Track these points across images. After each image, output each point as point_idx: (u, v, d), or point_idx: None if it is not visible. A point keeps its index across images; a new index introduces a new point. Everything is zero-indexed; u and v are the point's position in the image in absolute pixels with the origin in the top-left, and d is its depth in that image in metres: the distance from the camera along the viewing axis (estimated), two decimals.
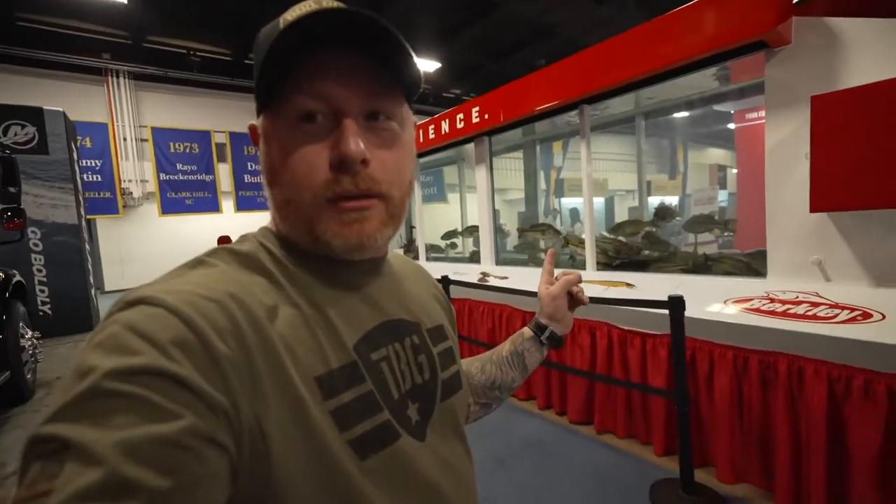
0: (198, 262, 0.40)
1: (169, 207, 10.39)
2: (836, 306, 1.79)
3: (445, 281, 3.15)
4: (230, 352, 0.32)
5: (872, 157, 1.67)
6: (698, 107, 3.23)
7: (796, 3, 1.98)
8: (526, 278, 3.19)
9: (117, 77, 9.62)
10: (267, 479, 0.32)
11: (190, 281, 0.36)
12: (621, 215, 8.37)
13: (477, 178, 3.78)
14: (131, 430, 0.26)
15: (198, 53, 9.50)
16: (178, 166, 10.45)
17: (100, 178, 9.46)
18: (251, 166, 11.42)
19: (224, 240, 6.83)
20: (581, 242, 3.13)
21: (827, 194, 1.79)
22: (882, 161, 1.65)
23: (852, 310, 1.73)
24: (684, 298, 1.77)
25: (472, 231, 4.42)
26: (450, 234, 4.70)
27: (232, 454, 0.30)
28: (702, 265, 2.64)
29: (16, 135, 4.94)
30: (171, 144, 10.34)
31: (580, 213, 6.70)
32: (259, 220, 11.51)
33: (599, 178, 9.03)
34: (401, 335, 0.47)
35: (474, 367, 0.69)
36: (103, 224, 10.36)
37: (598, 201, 9.36)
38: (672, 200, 7.45)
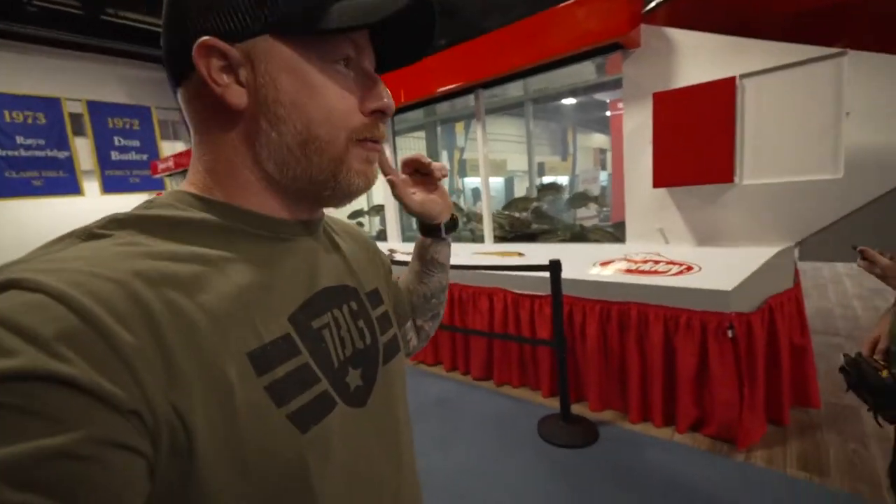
0: (88, 234, 0.33)
1: (9, 189, 8.63)
2: (670, 262, 2.26)
3: None
4: (137, 341, 0.28)
5: (692, 145, 2.13)
6: (579, 95, 3.65)
7: (644, 12, 2.38)
8: None
9: None
10: (188, 471, 0.29)
11: (79, 256, 0.30)
12: (520, 194, 8.98)
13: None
14: (10, 446, 0.23)
15: (34, 3, 7.86)
16: (18, 140, 8.67)
17: None
18: (119, 141, 9.92)
19: None
20: (481, 219, 3.40)
21: (664, 174, 2.24)
22: (698, 148, 2.12)
23: (681, 265, 2.22)
24: (561, 262, 2.10)
25: (378, 210, 4.49)
26: (356, 214, 4.71)
27: (147, 455, 0.27)
28: (579, 235, 3.08)
29: None
30: (7, 113, 8.53)
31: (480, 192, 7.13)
32: (133, 203, 10.09)
33: (498, 158, 9.57)
34: (340, 301, 0.45)
35: (404, 289, 0.68)
36: None
37: (498, 181, 9.96)
38: (563, 180, 8.26)
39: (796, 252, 2.15)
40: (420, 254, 0.67)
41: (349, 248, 0.52)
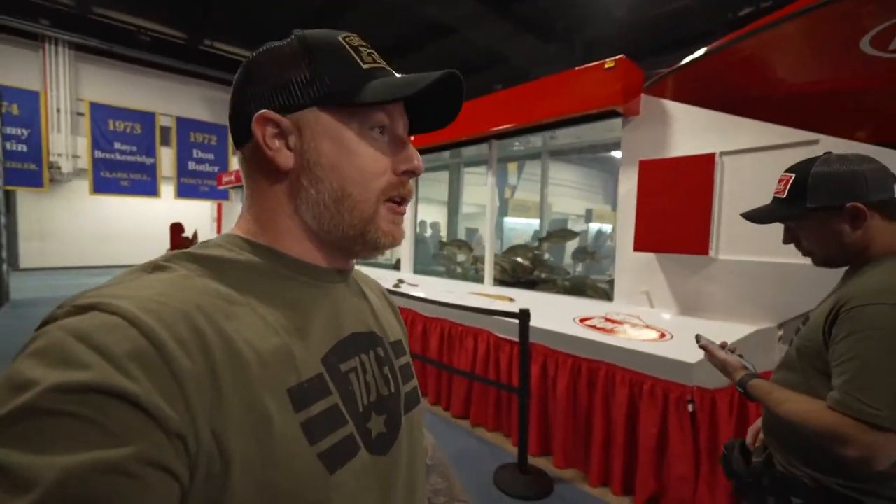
0: (154, 267, 0.38)
1: (102, 186, 9.93)
2: (648, 327, 2.26)
3: None
4: (194, 367, 0.30)
5: (672, 214, 2.16)
6: (599, 150, 3.74)
7: (646, 86, 2.49)
8: (433, 288, 3.54)
9: (55, 45, 9.14)
10: (218, 499, 0.31)
11: (149, 286, 0.34)
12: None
13: None
14: (70, 455, 0.24)
15: (149, 32, 9.24)
16: (116, 145, 10.03)
17: (25, 149, 8.91)
18: (197, 153, 11.15)
19: (177, 227, 6.54)
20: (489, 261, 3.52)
21: (645, 238, 2.27)
22: (677, 217, 2.14)
23: (657, 330, 2.21)
24: (530, 312, 2.17)
25: None
26: None
27: (182, 481, 0.29)
28: (576, 288, 3.11)
29: None
30: (111, 122, 9.93)
31: (514, 232, 7.19)
32: (200, 209, 11.22)
33: (548, 201, 9.62)
34: (367, 347, 0.47)
35: (434, 477, 0.69)
36: (24, 197, 9.71)
37: (535, 223, 9.97)
38: (608, 228, 8.13)
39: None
40: None
41: (374, 300, 0.55)
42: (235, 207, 8.65)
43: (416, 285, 3.66)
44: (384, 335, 0.51)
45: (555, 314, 2.58)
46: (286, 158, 0.43)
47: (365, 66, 0.43)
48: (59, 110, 9.42)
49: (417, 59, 9.32)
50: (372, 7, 7.32)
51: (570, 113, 2.61)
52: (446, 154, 4.34)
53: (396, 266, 4.40)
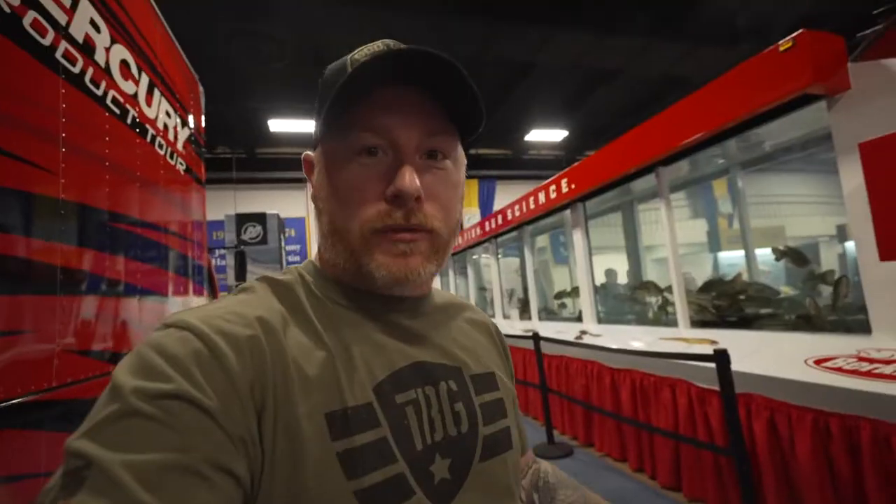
0: (242, 289, 0.41)
1: None
2: None
3: (535, 337, 3.42)
4: (248, 374, 0.32)
5: None
6: (810, 148, 2.99)
7: (855, 54, 1.95)
8: (619, 336, 3.23)
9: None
10: None
11: (224, 305, 0.37)
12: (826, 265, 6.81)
13: (574, 242, 4.03)
14: (153, 453, 0.27)
15: None
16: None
17: (299, 259, 12.40)
18: None
19: None
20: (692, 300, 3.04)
21: (891, 242, 1.62)
22: None
23: None
24: (729, 353, 1.78)
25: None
26: (560, 295, 4.88)
27: (245, 485, 0.30)
28: (810, 321, 2.37)
29: (248, 233, 7.17)
30: None
31: (734, 268, 5.95)
32: None
33: (771, 225, 7.81)
34: (435, 378, 0.42)
35: (561, 494, 0.56)
36: None
37: (766, 253, 8.06)
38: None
39: None
40: None
41: (464, 329, 0.51)
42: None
43: (599, 335, 3.42)
44: (463, 366, 0.45)
45: (783, 356, 2.02)
46: (314, 193, 0.46)
47: (350, 70, 0.39)
48: (315, 227, 12.89)
49: (591, 108, 9.42)
50: (541, 72, 7.84)
51: (745, 115, 2.22)
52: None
53: (580, 318, 4.21)
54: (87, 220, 1.50)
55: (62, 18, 1.41)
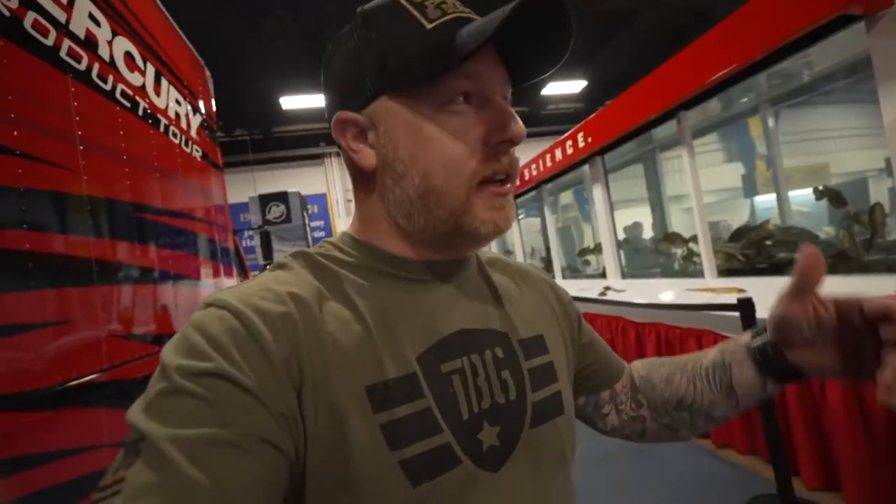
0: (279, 265, 0.41)
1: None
2: None
3: None
4: (284, 351, 0.33)
5: None
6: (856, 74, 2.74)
7: None
8: (644, 290, 3.19)
9: (330, 158, 12.83)
10: (301, 485, 0.32)
11: (259, 283, 0.37)
12: (879, 198, 6.09)
13: (594, 197, 3.93)
14: (196, 429, 0.28)
15: None
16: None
17: (323, 234, 12.65)
18: None
19: None
20: (719, 249, 2.95)
21: None
22: None
23: None
24: (753, 301, 1.73)
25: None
26: (584, 252, 4.82)
27: (289, 455, 0.31)
28: (843, 263, 2.26)
29: (272, 212, 7.34)
30: None
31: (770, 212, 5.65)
32: None
33: (813, 163, 7.32)
34: (481, 346, 0.41)
35: (658, 374, 0.54)
36: None
37: (805, 194, 7.60)
38: None
39: None
40: (724, 348, 0.50)
41: (512, 291, 0.49)
42: None
43: (623, 290, 3.39)
44: (510, 330, 0.44)
45: None
46: (368, 158, 0.40)
47: (430, 26, 0.37)
48: (337, 202, 13.04)
49: (612, 53, 8.92)
50: None
51: (776, 45, 2.05)
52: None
53: (604, 274, 4.17)
54: (112, 213, 1.57)
55: (61, 16, 1.43)
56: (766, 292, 2.20)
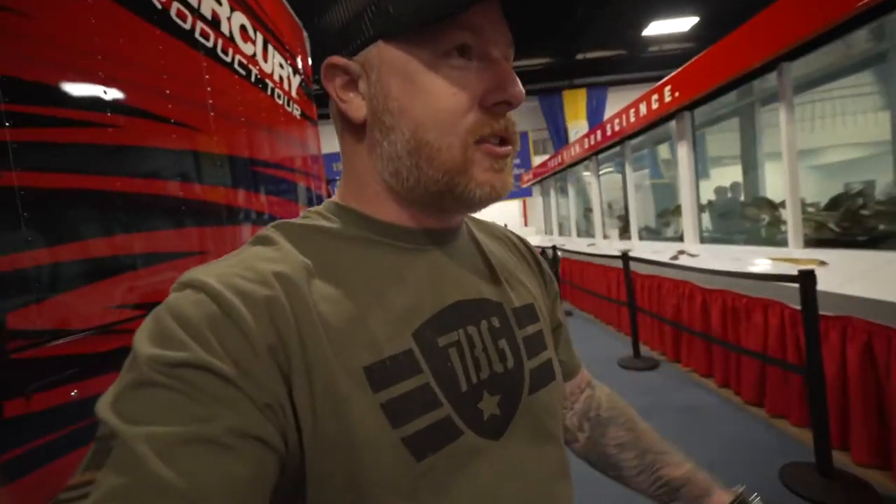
0: (260, 239, 0.38)
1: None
2: None
3: (625, 257, 3.41)
4: (269, 337, 0.30)
5: None
6: None
7: None
8: (719, 256, 3.07)
9: None
10: (300, 476, 0.31)
11: (241, 260, 0.35)
12: None
13: (679, 155, 3.69)
14: (171, 426, 0.26)
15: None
16: None
17: None
18: None
19: None
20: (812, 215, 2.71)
21: None
22: None
23: None
24: (815, 274, 1.68)
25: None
26: (664, 213, 4.58)
27: (278, 448, 0.29)
28: None
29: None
30: None
31: None
32: (513, 207, 13.15)
33: None
34: (477, 317, 0.40)
35: (615, 432, 0.55)
36: None
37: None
38: None
39: None
40: (691, 478, 0.52)
41: (501, 258, 0.49)
42: (537, 202, 9.80)
43: (696, 255, 3.28)
44: (504, 300, 0.44)
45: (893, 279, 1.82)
46: (357, 108, 0.38)
47: None
48: None
49: None
50: None
51: None
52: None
53: (682, 238, 4.00)
54: (235, 166, 1.97)
55: (195, 1, 1.76)
56: (852, 266, 2.07)
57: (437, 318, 0.38)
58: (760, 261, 2.55)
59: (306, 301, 0.33)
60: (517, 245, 0.54)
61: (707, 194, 4.01)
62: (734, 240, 3.53)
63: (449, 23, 0.34)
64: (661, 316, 3.32)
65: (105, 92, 1.22)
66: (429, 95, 0.35)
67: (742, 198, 3.80)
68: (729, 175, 4.12)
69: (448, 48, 0.35)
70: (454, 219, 0.43)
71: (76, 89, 1.14)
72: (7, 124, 0.95)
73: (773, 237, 3.07)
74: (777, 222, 3.01)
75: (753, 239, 3.34)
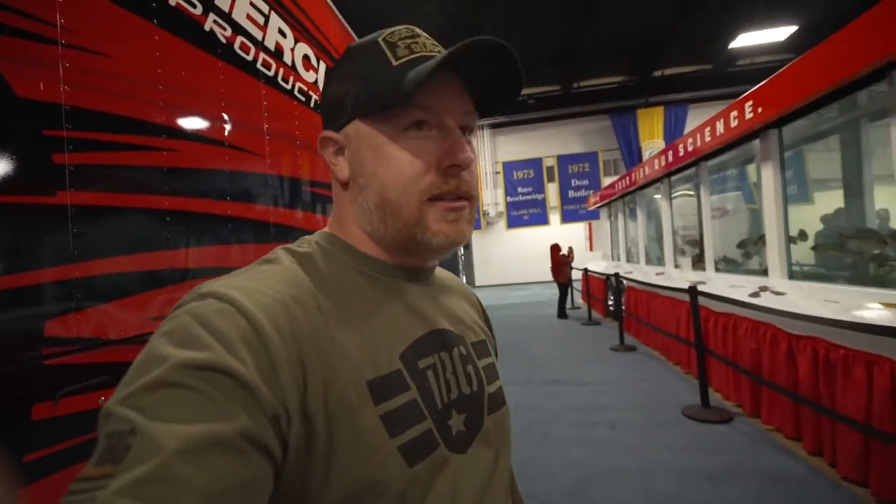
0: (267, 260, 0.42)
1: (512, 223, 13.21)
2: None
3: (693, 291, 3.05)
4: (288, 353, 0.33)
5: None
6: None
7: None
8: (810, 297, 2.62)
9: (482, 129, 13.15)
10: (308, 481, 0.33)
11: (257, 278, 0.38)
12: None
13: (763, 179, 3.27)
14: (193, 424, 0.27)
15: (533, 96, 11.70)
16: (519, 189, 13.11)
17: None
18: (574, 182, 12.81)
19: (555, 248, 7.96)
20: None
21: None
22: None
23: None
24: None
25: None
26: (743, 244, 4.04)
27: (277, 460, 0.31)
28: None
29: None
30: (515, 173, 13.13)
31: None
32: (576, 229, 12.68)
33: None
34: (449, 345, 0.47)
35: None
36: (474, 237, 14.28)
37: None
38: None
39: None
40: None
41: (458, 300, 0.56)
42: (604, 225, 9.30)
43: (782, 293, 2.84)
44: (465, 334, 0.51)
45: None
46: (342, 171, 0.46)
47: (396, 63, 0.42)
48: (486, 174, 13.40)
49: None
50: None
51: None
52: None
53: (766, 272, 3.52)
54: (288, 187, 2.06)
55: (258, 35, 1.89)
56: None
57: (417, 343, 0.44)
58: (866, 305, 2.13)
59: (317, 320, 0.37)
60: (471, 299, 0.61)
61: (811, 221, 3.51)
62: (835, 277, 3.02)
63: (406, 105, 0.42)
64: (736, 362, 2.90)
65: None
66: (392, 163, 0.43)
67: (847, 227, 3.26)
68: (836, 200, 3.57)
69: (407, 124, 0.42)
70: (426, 260, 0.50)
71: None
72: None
73: (884, 276, 2.57)
74: (885, 259, 2.52)
75: (860, 278, 2.82)
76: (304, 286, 0.40)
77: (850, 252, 2.92)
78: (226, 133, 1.64)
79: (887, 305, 2.02)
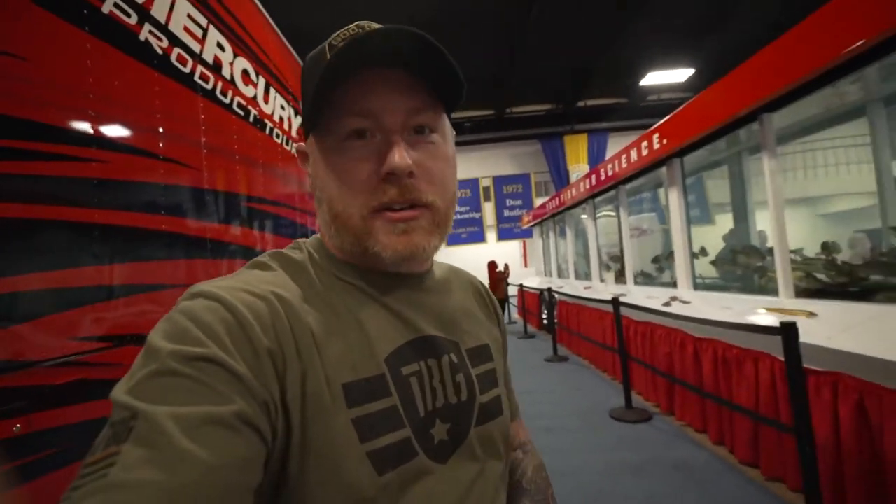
0: (256, 264, 0.44)
1: (451, 241, 13.45)
2: None
3: (615, 303, 3.37)
4: (271, 345, 0.35)
5: None
6: None
7: None
8: (711, 304, 3.02)
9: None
10: (283, 471, 0.34)
11: (244, 279, 0.40)
12: None
13: (670, 201, 3.73)
14: (191, 407, 0.29)
15: (470, 119, 12.18)
16: (458, 208, 13.39)
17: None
18: (509, 202, 13.41)
19: (491, 264, 8.23)
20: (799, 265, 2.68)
21: None
22: None
23: None
24: (797, 326, 1.64)
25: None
26: (657, 259, 4.56)
27: (268, 442, 0.32)
28: None
29: None
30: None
31: None
32: (512, 247, 13.23)
33: None
34: (437, 352, 0.45)
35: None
36: None
37: None
38: None
39: None
40: None
41: (458, 303, 0.53)
42: (537, 243, 9.83)
43: (688, 302, 3.23)
44: (460, 340, 0.49)
45: (887, 333, 1.77)
46: (310, 182, 0.46)
47: (328, 59, 0.39)
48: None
49: (726, 34, 8.06)
50: None
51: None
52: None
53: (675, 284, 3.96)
54: (225, 201, 2.00)
55: (196, 47, 1.86)
56: (842, 318, 2.02)
57: (402, 349, 0.43)
58: (753, 310, 2.50)
59: (302, 320, 0.38)
60: (480, 292, 0.60)
61: (713, 240, 4.01)
62: (730, 287, 3.49)
63: (344, 113, 0.41)
64: (653, 365, 3.23)
65: None
66: (334, 174, 0.42)
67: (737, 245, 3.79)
68: (731, 222, 4.15)
69: (345, 133, 0.41)
70: (418, 266, 0.49)
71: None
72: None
73: (766, 286, 3.03)
74: (764, 271, 2.98)
75: (748, 287, 3.30)
76: (290, 289, 0.41)
77: (740, 266, 3.40)
78: (161, 145, 1.59)
79: (770, 310, 2.39)
